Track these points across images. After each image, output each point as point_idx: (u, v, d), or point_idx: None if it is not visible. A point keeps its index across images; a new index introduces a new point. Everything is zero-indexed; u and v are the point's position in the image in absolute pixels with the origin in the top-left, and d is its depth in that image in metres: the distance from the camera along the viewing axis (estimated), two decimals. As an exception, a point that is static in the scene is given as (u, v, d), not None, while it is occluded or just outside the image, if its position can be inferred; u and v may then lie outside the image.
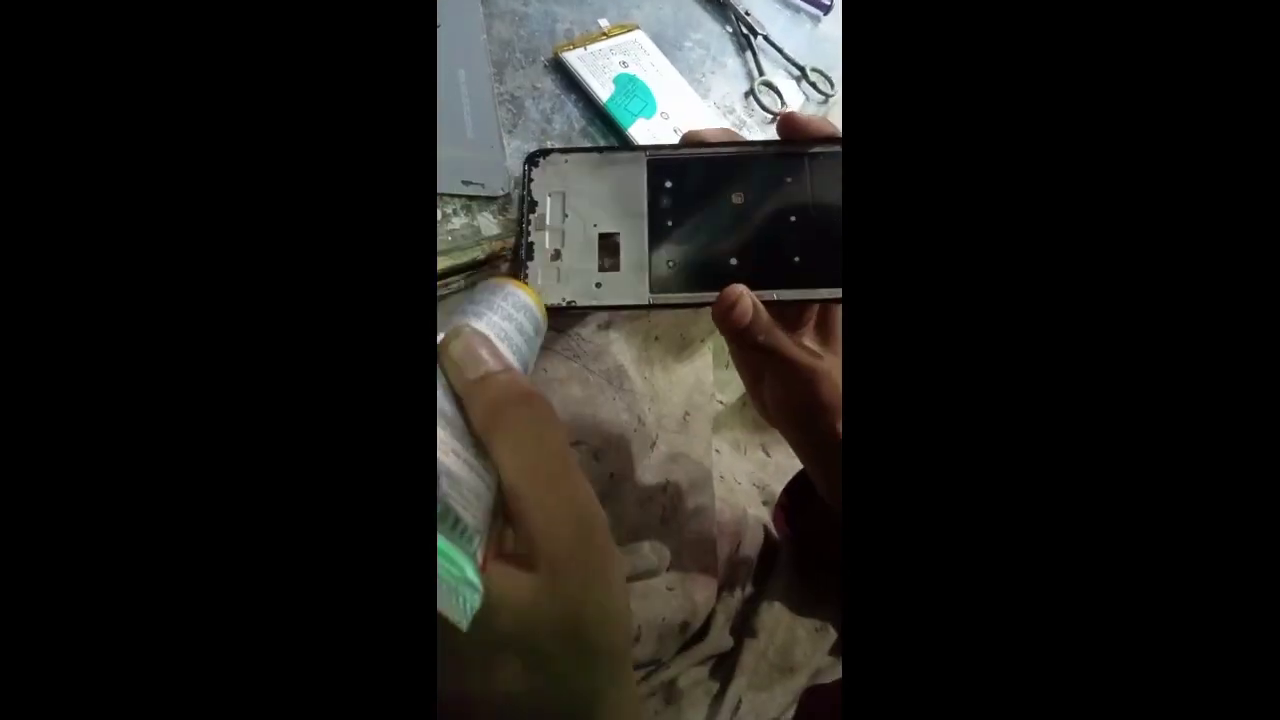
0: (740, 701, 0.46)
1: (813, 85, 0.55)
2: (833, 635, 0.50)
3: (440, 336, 0.22)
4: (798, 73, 0.55)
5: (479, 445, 0.20)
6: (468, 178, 0.38)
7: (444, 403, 0.20)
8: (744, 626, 0.51)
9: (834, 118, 0.55)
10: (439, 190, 0.38)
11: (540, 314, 0.28)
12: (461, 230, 0.38)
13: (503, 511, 0.21)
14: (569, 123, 0.44)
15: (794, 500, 0.51)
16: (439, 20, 0.40)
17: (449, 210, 0.38)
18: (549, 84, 0.44)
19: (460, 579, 0.19)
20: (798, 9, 0.62)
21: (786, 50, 0.55)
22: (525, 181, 0.35)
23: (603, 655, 0.21)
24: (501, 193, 0.40)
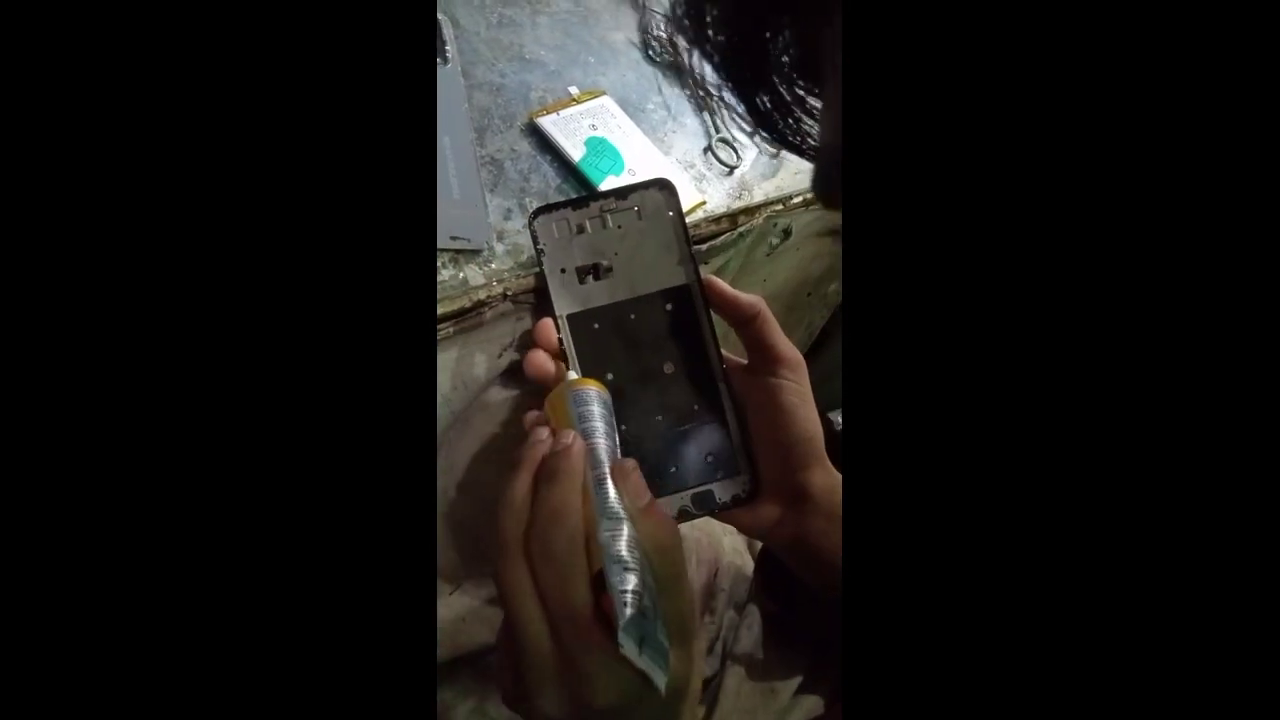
0: (726, 724, 0.48)
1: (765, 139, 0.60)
2: (810, 655, 0.52)
3: (610, 465, 0.32)
4: (750, 129, 0.60)
5: (644, 548, 0.30)
6: (455, 234, 0.41)
7: (629, 522, 0.30)
8: (725, 652, 0.53)
9: (785, 170, 0.60)
10: (428, 246, 0.41)
11: (608, 395, 0.37)
12: (450, 282, 0.41)
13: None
14: (545, 181, 0.47)
15: (768, 573, 0.54)
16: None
17: (439, 264, 0.41)
18: (526, 147, 0.48)
19: (665, 654, 0.26)
20: (747, 72, 0.67)
21: (739, 109, 0.60)
22: (532, 233, 0.41)
23: (694, 702, 0.32)
24: (486, 247, 0.43)
